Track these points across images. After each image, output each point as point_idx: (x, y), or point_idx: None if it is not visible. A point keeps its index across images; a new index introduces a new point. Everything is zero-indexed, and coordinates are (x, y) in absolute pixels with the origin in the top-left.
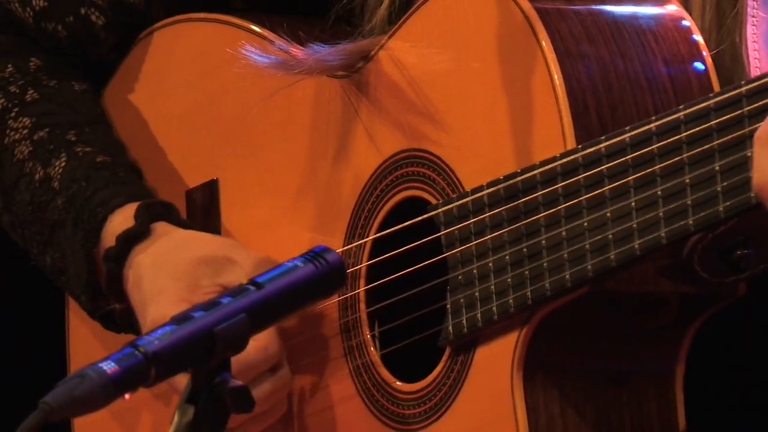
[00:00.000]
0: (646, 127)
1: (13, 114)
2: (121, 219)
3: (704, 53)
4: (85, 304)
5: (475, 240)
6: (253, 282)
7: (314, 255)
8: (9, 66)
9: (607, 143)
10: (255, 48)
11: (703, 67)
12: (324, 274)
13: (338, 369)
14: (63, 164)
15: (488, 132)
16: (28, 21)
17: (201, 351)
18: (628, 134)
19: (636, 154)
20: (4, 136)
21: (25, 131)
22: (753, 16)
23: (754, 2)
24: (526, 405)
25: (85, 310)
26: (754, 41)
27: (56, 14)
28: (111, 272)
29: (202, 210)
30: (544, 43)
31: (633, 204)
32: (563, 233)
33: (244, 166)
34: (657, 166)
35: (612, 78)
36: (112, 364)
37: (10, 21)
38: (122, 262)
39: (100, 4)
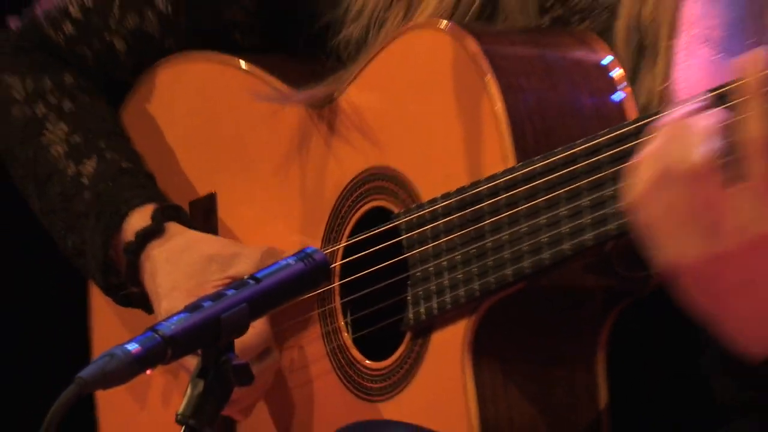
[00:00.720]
0: (572, 151)
1: (51, 119)
2: (139, 217)
3: (622, 85)
4: (98, 281)
5: (431, 243)
6: (253, 277)
7: (305, 255)
8: (47, 80)
9: (542, 163)
10: (249, 83)
11: (622, 96)
12: (312, 271)
13: (317, 350)
14: (94, 165)
15: (443, 152)
16: (61, 44)
17: (209, 335)
18: (559, 155)
19: (564, 171)
20: (42, 136)
21: (62, 134)
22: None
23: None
24: (474, 380)
25: (99, 286)
26: (681, 70)
27: (84, 39)
28: (130, 263)
29: (203, 218)
30: (488, 78)
31: (564, 212)
32: (505, 237)
33: (238, 181)
34: (583, 182)
35: (546, 108)
36: (136, 345)
37: (45, 43)
38: (139, 254)
39: (123, 32)
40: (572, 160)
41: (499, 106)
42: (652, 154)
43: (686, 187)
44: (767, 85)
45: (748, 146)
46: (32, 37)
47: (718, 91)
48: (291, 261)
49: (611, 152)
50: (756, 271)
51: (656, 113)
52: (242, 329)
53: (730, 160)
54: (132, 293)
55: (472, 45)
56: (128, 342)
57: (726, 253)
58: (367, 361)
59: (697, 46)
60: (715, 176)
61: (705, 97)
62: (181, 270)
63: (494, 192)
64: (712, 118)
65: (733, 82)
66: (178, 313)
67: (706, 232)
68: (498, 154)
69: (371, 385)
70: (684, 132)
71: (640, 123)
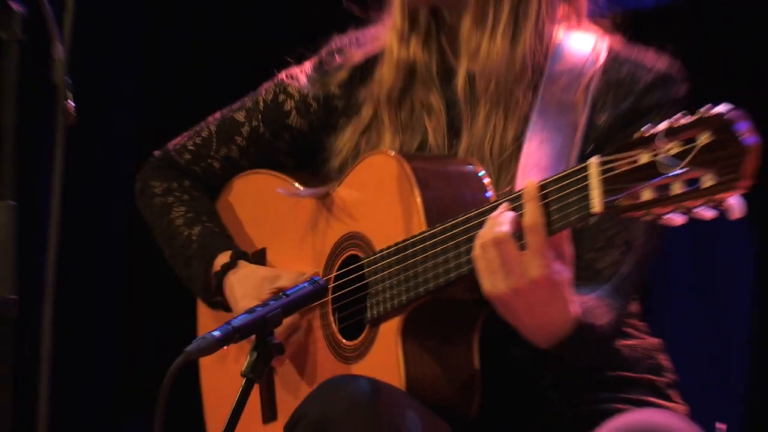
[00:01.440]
0: (454, 221)
1: (175, 205)
2: (223, 258)
3: (489, 189)
4: (201, 295)
5: (380, 273)
6: (284, 293)
7: (313, 281)
8: (174, 183)
9: (440, 228)
10: (285, 188)
11: (489, 194)
12: (318, 291)
13: (318, 334)
14: (198, 230)
15: (388, 223)
16: (182, 164)
17: (259, 327)
18: (449, 224)
19: (450, 233)
20: (170, 214)
21: (182, 213)
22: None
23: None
24: (403, 351)
25: (200, 298)
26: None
27: (196, 162)
28: (218, 283)
29: (258, 260)
30: (413, 183)
31: (450, 256)
32: (420, 269)
33: (277, 240)
34: (460, 239)
35: (445, 198)
36: (218, 332)
37: (172, 163)
38: (222, 278)
39: (218, 157)
40: (453, 227)
41: (419, 198)
42: (481, 231)
43: (494, 249)
44: (537, 194)
45: (527, 230)
46: (166, 159)
47: (513, 195)
48: (306, 284)
49: (472, 223)
50: (534, 301)
51: (495, 205)
52: (278, 323)
53: (519, 236)
54: (218, 301)
55: (406, 164)
56: (214, 330)
57: (517, 288)
58: (345, 341)
59: (530, 170)
60: (510, 244)
61: (509, 197)
62: (247, 287)
63: (414, 243)
64: (509, 212)
65: (521, 191)
66: (242, 314)
67: (507, 276)
68: (417, 224)
69: (347, 355)
70: (497, 218)
71: (486, 207)
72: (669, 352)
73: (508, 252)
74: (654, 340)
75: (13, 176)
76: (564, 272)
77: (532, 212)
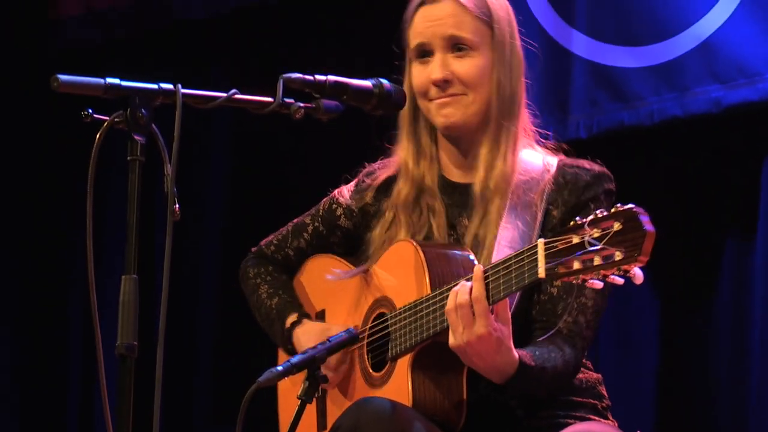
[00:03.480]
0: (445, 288)
1: (261, 284)
2: (293, 317)
3: (477, 267)
4: (279, 345)
5: (399, 323)
6: (329, 339)
7: (348, 332)
8: (262, 268)
9: (438, 291)
10: (339, 267)
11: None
12: (351, 338)
13: (356, 368)
14: (277, 300)
15: (405, 289)
16: (268, 254)
17: (309, 363)
18: (446, 290)
19: (444, 295)
20: (258, 290)
21: (266, 290)
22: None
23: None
24: (411, 379)
25: (280, 347)
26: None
27: (278, 252)
28: (289, 335)
29: (319, 318)
30: (424, 264)
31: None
32: (425, 320)
33: (332, 304)
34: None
35: (445, 275)
36: (281, 367)
37: (263, 254)
38: (292, 332)
39: (292, 247)
40: (448, 291)
41: (428, 275)
42: (448, 300)
43: (454, 313)
44: (482, 276)
45: (474, 301)
46: (258, 252)
47: (470, 276)
48: (343, 334)
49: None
50: (482, 350)
51: (469, 279)
52: (323, 361)
53: (473, 305)
54: (290, 349)
55: (420, 250)
56: (279, 365)
57: (469, 341)
58: (374, 372)
59: (503, 248)
60: (466, 309)
61: (467, 278)
62: (309, 336)
63: (422, 302)
64: (466, 286)
65: (470, 276)
66: (299, 355)
67: (463, 332)
68: (425, 289)
69: (375, 382)
70: (457, 291)
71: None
72: (605, 383)
73: (464, 315)
74: (596, 375)
75: (135, 257)
76: (504, 330)
77: (477, 288)
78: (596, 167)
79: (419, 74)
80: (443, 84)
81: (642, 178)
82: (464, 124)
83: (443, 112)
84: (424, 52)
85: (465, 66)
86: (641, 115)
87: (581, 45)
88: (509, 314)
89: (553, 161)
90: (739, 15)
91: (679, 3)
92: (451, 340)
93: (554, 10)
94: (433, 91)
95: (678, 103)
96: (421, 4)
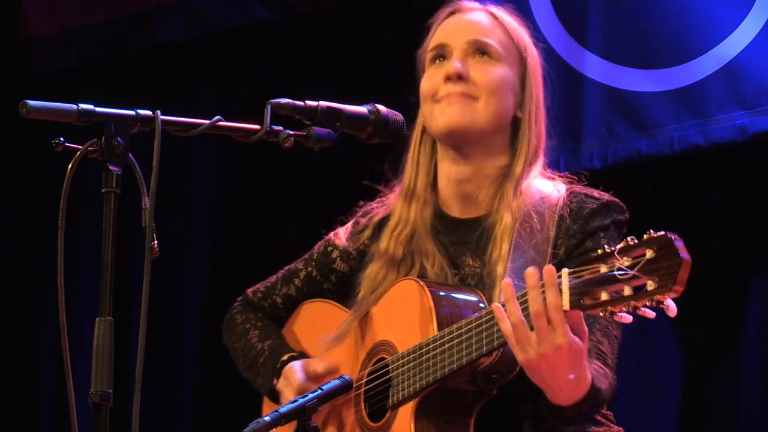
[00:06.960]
0: (453, 329)
1: (251, 330)
2: (285, 358)
3: (487, 309)
4: (264, 389)
5: (400, 369)
6: (321, 388)
7: (342, 379)
8: (251, 315)
9: (446, 331)
10: (334, 312)
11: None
12: (344, 386)
13: (351, 419)
14: (268, 343)
15: (408, 332)
16: (255, 302)
17: (299, 413)
18: (455, 331)
19: (452, 340)
20: (248, 335)
21: (256, 336)
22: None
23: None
24: (414, 428)
25: (263, 391)
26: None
27: (265, 299)
28: (282, 367)
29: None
30: (431, 304)
31: (448, 355)
32: (429, 364)
33: (330, 349)
34: (454, 342)
35: (451, 315)
36: (268, 417)
37: (250, 302)
38: (279, 374)
39: (281, 294)
40: (458, 329)
41: (435, 314)
42: (507, 315)
43: (523, 326)
44: (540, 286)
45: (550, 309)
46: (244, 300)
47: (518, 294)
48: (336, 381)
49: (473, 325)
50: (554, 366)
51: (490, 312)
52: (314, 410)
53: (529, 320)
54: (275, 389)
55: (425, 289)
56: (266, 416)
57: (540, 356)
58: (371, 423)
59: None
60: (543, 318)
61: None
62: (294, 386)
63: (428, 344)
64: (518, 303)
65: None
66: (287, 403)
67: (531, 348)
68: (431, 330)
69: None
70: (530, 299)
71: (486, 317)
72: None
73: (540, 325)
74: (618, 429)
75: (110, 298)
76: (581, 343)
77: (553, 295)
78: (606, 196)
79: (431, 76)
80: (456, 79)
81: (660, 211)
82: (466, 132)
83: (447, 111)
84: (441, 55)
85: (484, 69)
86: (660, 144)
87: (595, 67)
88: (585, 327)
89: (562, 188)
90: (765, 35)
91: (701, 23)
92: (521, 356)
93: (565, 29)
94: (442, 90)
95: (700, 131)
96: (451, 14)
